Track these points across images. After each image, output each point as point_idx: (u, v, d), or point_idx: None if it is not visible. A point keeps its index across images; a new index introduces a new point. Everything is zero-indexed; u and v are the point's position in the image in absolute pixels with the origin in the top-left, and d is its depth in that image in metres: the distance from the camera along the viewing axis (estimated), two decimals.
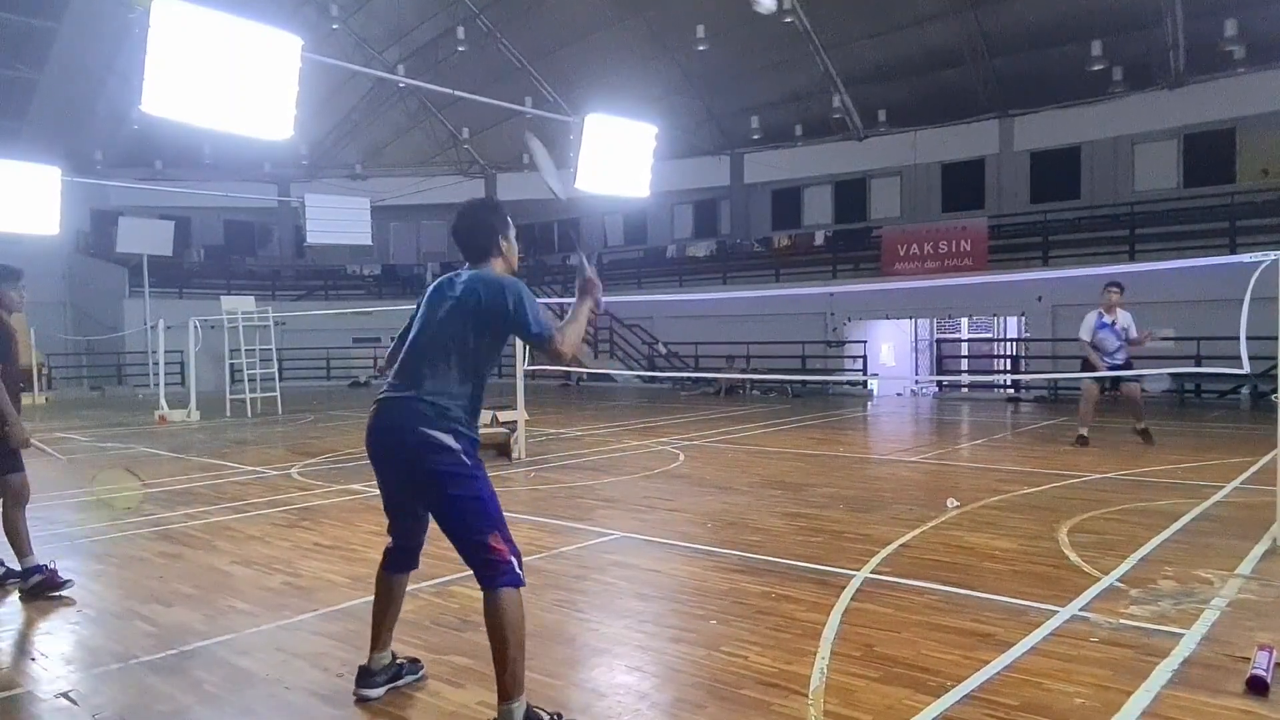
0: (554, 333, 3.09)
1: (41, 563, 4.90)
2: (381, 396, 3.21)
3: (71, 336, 24.39)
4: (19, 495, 4.97)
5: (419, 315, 3.29)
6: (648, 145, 10.23)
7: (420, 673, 3.54)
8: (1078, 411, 10.40)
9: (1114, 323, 9.90)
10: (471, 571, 3.08)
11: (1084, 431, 10.19)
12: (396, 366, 3.25)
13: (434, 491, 3.05)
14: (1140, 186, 20.50)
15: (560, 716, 3.06)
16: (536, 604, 4.27)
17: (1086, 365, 10.16)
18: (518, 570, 3.02)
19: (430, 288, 3.35)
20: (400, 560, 3.42)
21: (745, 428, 13.26)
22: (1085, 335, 10.02)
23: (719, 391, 20.70)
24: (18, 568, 4.91)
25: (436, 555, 5.46)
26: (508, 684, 2.97)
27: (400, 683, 3.44)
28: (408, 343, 3.28)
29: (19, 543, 4.90)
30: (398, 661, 3.47)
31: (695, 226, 28.12)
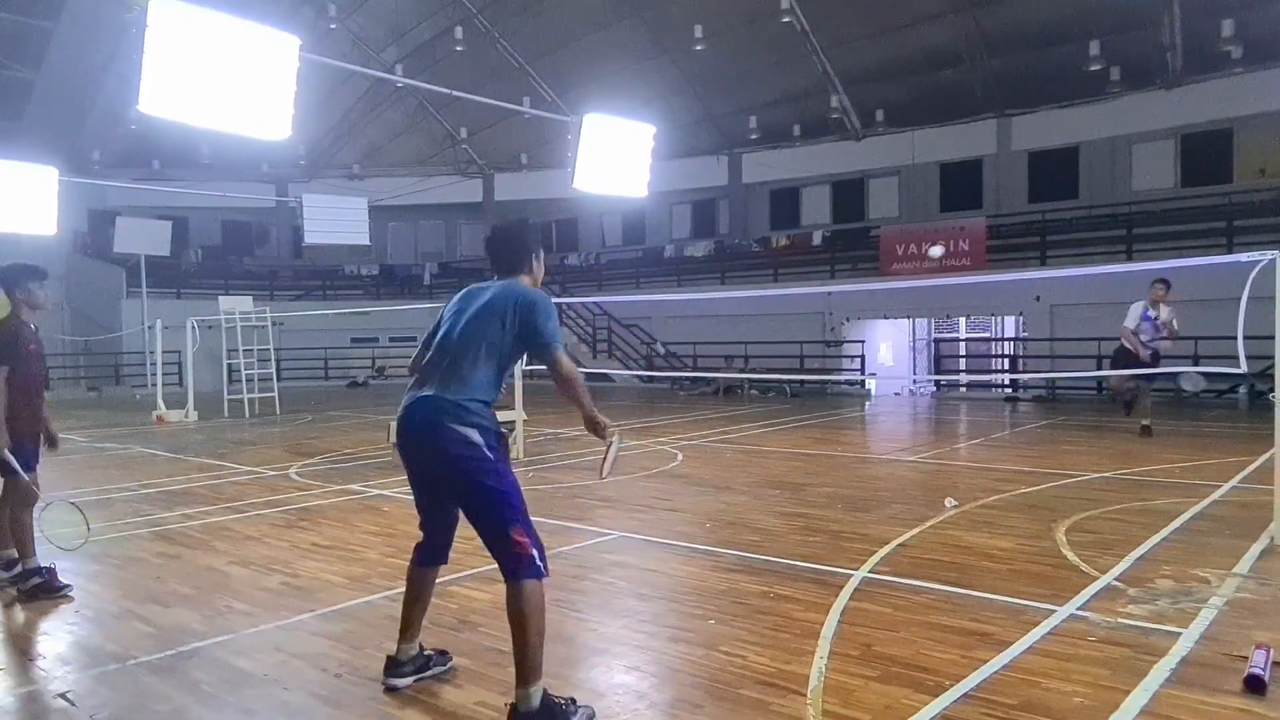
0: (561, 353, 3.23)
1: (43, 565, 4.90)
2: (409, 398, 3.29)
3: (69, 337, 24.33)
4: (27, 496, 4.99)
5: (447, 319, 3.40)
6: (646, 145, 10.22)
7: (449, 664, 3.58)
8: (1138, 408, 10.96)
9: (1156, 316, 10.45)
10: (495, 563, 3.17)
11: (1146, 421, 10.82)
12: (423, 367, 3.35)
13: (461, 485, 3.17)
14: (1138, 186, 20.51)
15: (574, 701, 3.13)
16: None
17: (1118, 359, 10.75)
18: (538, 562, 3.11)
19: (459, 295, 3.47)
20: (430, 555, 3.50)
21: (743, 427, 13.26)
22: (1129, 323, 10.61)
23: (717, 391, 20.69)
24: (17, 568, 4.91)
25: None
26: (527, 671, 3.05)
27: (428, 673, 3.49)
28: (434, 345, 3.38)
29: (23, 543, 4.90)
30: (425, 653, 3.53)
31: (693, 226, 28.10)
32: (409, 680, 3.42)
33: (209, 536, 6.24)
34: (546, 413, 15.80)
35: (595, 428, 3.29)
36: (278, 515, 6.98)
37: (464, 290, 3.48)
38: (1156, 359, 10.42)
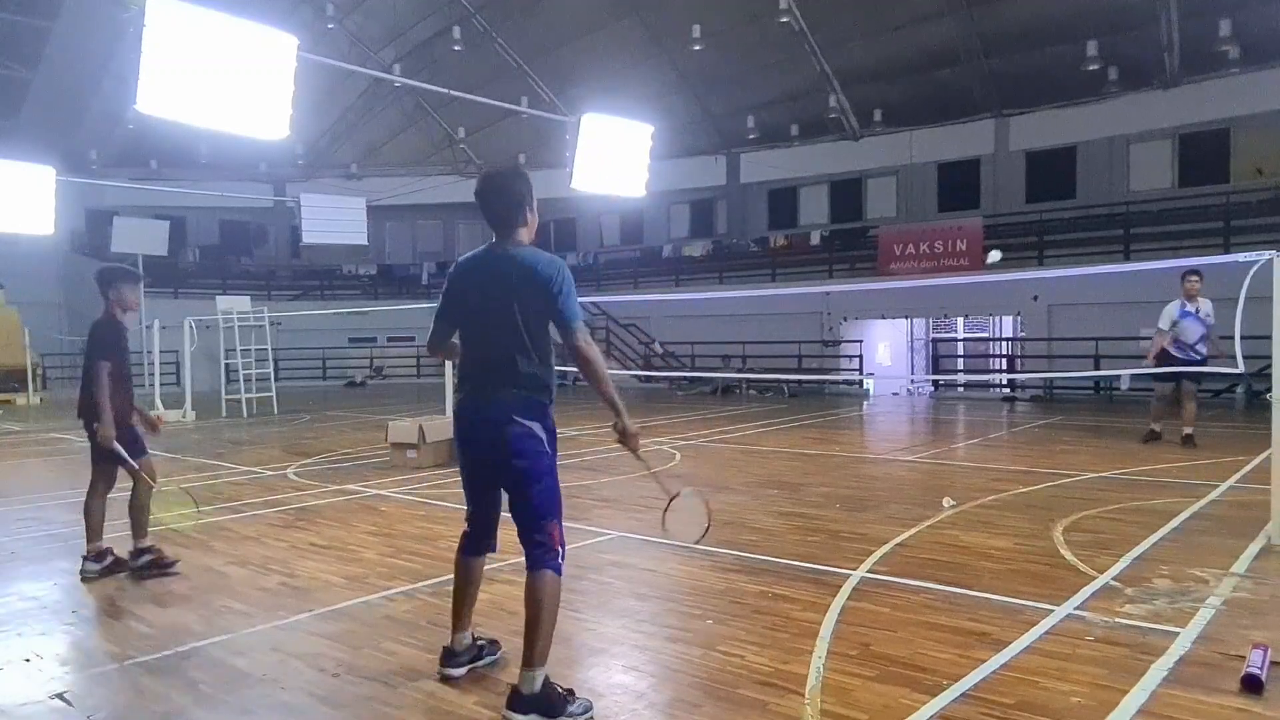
0: (584, 334, 3.25)
1: (140, 546, 5.22)
2: (469, 389, 3.36)
3: (66, 336, 24.24)
4: (109, 483, 5.33)
5: (472, 299, 3.37)
6: (644, 145, 10.22)
7: (499, 654, 3.68)
8: (1150, 409, 10.15)
9: (1198, 310, 9.48)
10: (524, 550, 3.28)
11: (1156, 427, 10.05)
12: (475, 356, 3.38)
13: (517, 475, 3.25)
14: (1135, 186, 20.54)
15: (573, 693, 3.22)
16: None
17: (1161, 361, 9.71)
18: (561, 560, 3.25)
19: (469, 270, 3.43)
20: (475, 545, 3.55)
21: (741, 427, 13.27)
22: (1164, 324, 9.66)
23: (715, 391, 20.70)
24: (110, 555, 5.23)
25: (431, 555, 5.46)
26: (534, 655, 3.15)
27: (480, 662, 3.59)
28: (475, 332, 3.38)
29: (94, 525, 5.20)
30: (478, 642, 3.63)
31: (691, 226, 28.10)
32: (463, 670, 3.52)
33: (206, 537, 6.22)
34: None
35: (625, 437, 3.37)
36: (275, 515, 6.98)
37: (473, 264, 3.44)
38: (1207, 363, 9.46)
